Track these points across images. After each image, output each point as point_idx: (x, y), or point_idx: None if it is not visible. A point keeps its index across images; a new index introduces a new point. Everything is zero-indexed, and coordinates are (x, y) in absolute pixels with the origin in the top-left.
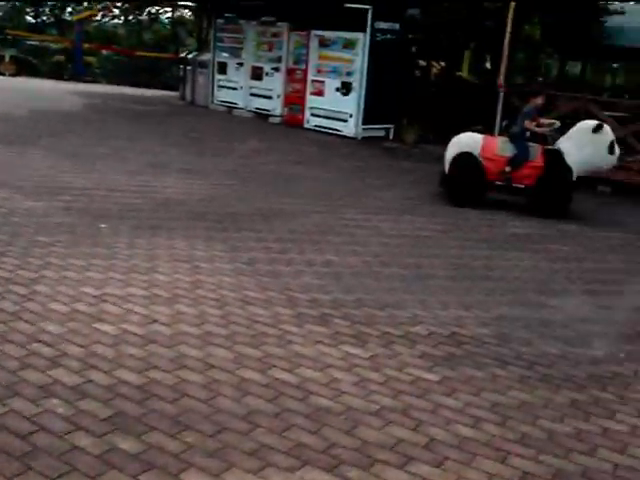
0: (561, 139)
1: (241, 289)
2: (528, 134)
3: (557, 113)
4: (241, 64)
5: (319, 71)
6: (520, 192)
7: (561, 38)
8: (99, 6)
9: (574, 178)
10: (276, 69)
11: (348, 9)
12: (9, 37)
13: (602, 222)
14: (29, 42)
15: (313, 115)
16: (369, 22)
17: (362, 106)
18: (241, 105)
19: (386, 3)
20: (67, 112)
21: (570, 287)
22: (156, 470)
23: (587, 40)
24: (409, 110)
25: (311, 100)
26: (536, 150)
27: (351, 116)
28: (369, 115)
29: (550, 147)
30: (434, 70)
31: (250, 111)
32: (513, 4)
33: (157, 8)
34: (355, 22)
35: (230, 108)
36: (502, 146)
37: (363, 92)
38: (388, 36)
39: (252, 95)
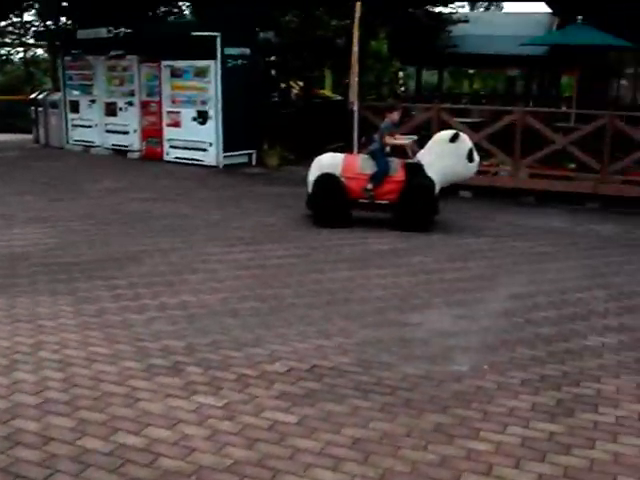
0: (421, 151)
1: (86, 345)
2: (388, 149)
3: (412, 125)
4: (93, 101)
5: (173, 102)
6: (385, 208)
7: (407, 50)
8: None
9: (437, 189)
10: (130, 103)
11: (197, 37)
12: None
13: (464, 228)
14: None
15: (172, 147)
16: (219, 49)
17: (221, 134)
18: (98, 143)
19: (235, 29)
20: None
21: (432, 300)
22: None
23: (432, 49)
24: (270, 134)
25: (168, 132)
26: (397, 165)
27: (211, 145)
28: (229, 142)
29: (410, 160)
30: (295, 91)
31: (108, 148)
32: (357, 22)
33: (8, 49)
34: (205, 50)
35: (87, 147)
36: (363, 164)
37: (220, 119)
38: (240, 61)
39: (108, 132)
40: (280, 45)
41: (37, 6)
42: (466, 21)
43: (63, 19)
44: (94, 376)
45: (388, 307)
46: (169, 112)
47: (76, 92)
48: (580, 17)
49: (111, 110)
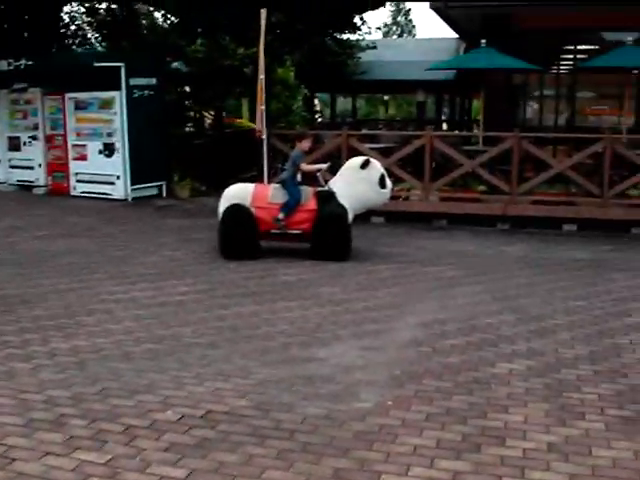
0: (333, 179)
1: None
2: (299, 178)
3: (322, 152)
4: None
5: (78, 135)
6: (298, 238)
7: (316, 77)
8: None
9: (350, 217)
10: (34, 137)
11: (101, 68)
12: None
13: (375, 255)
14: None
15: (79, 181)
16: (123, 79)
17: (128, 166)
18: (2, 179)
19: (140, 59)
20: None
21: (339, 333)
22: None
23: (341, 76)
24: (181, 164)
25: (75, 166)
26: (308, 193)
27: (118, 178)
28: (138, 174)
29: (322, 189)
30: (209, 121)
31: (12, 184)
32: (262, 51)
33: None
34: (109, 81)
35: None
36: (273, 193)
37: (127, 151)
38: (146, 92)
39: (12, 167)
40: (190, 75)
41: None
42: (374, 47)
43: None
44: None
45: (293, 342)
46: (74, 145)
47: None
48: (484, 41)
49: (14, 145)
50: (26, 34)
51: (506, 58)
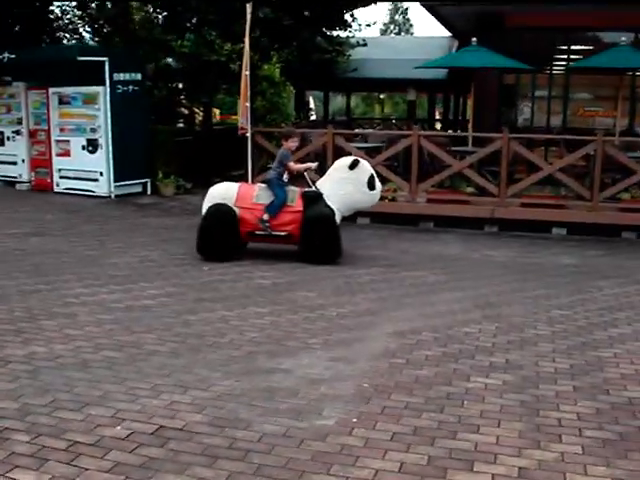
0: (321, 180)
1: None
2: (286, 178)
3: (307, 151)
4: None
5: (62, 130)
6: (283, 240)
7: (303, 75)
8: None
9: (338, 219)
10: (17, 132)
11: (85, 63)
12: None
13: (356, 258)
14: None
15: (62, 177)
16: (107, 74)
17: (112, 163)
18: None
19: (125, 54)
20: None
21: (309, 341)
22: None
23: (330, 74)
24: (167, 161)
25: (58, 162)
26: (294, 194)
27: (102, 174)
28: (121, 171)
29: (309, 189)
30: (199, 117)
31: None
32: (248, 46)
33: None
34: (93, 75)
35: None
36: (259, 193)
37: (111, 148)
38: (130, 87)
39: None
40: (180, 70)
41: None
42: (364, 45)
43: None
44: None
45: (259, 352)
46: (58, 141)
47: None
48: (474, 39)
49: None
50: (16, 28)
51: (497, 57)
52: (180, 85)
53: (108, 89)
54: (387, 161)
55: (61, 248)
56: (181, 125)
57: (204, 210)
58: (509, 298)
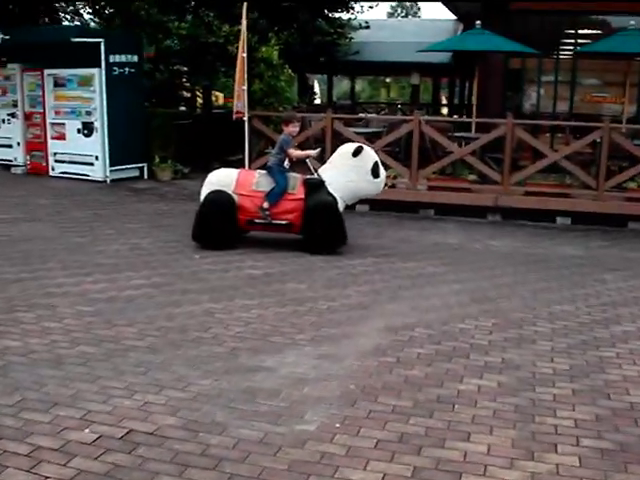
0: (323, 167)
1: None
2: (287, 165)
3: (306, 136)
4: None
5: (57, 113)
6: (284, 228)
7: (303, 57)
8: None
9: (341, 207)
10: (13, 115)
11: (81, 44)
12: None
13: (352, 247)
14: None
15: (57, 161)
16: (103, 56)
17: (107, 146)
18: None
19: (121, 35)
20: None
21: (296, 337)
22: None
23: (331, 57)
24: (164, 145)
25: (53, 145)
26: (296, 181)
27: (97, 158)
28: (117, 155)
29: (311, 177)
30: (201, 101)
31: None
32: (245, 28)
33: None
34: (89, 57)
35: None
36: (259, 180)
37: (106, 131)
38: (127, 69)
39: None
40: (179, 52)
41: None
42: (367, 27)
43: None
44: None
45: (242, 348)
46: (53, 124)
47: None
48: (478, 22)
49: None
50: (10, 6)
51: (501, 40)
52: (183, 68)
53: (104, 71)
54: (388, 147)
55: (50, 234)
56: (183, 108)
57: (202, 197)
58: (509, 291)
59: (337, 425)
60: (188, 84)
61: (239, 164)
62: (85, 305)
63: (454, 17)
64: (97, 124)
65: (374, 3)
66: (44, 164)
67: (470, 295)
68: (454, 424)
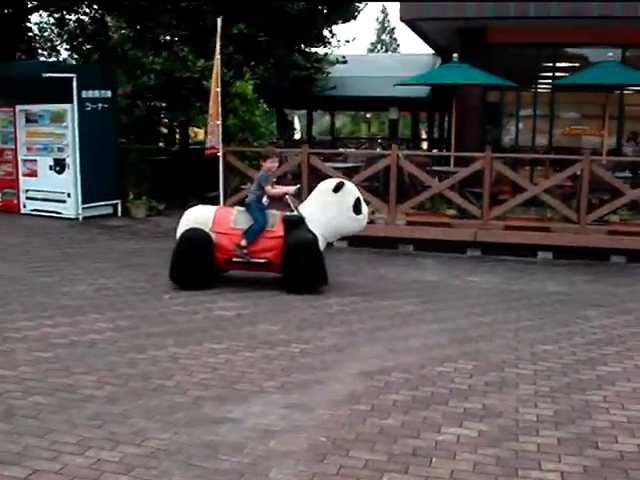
0: (303, 203)
1: None
2: (266, 201)
3: (282, 171)
4: None
5: (29, 149)
6: (263, 267)
7: (279, 93)
8: None
9: (322, 245)
10: None
11: (53, 79)
12: None
13: (329, 286)
14: None
15: (29, 198)
16: (75, 91)
17: (79, 183)
18: None
19: (94, 70)
20: None
21: (264, 384)
22: None
23: (307, 92)
24: (139, 181)
25: (25, 182)
26: (275, 218)
27: (69, 195)
28: (90, 192)
29: (291, 214)
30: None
31: None
32: (218, 62)
33: None
34: (61, 93)
35: None
36: (237, 217)
37: (78, 168)
38: (100, 105)
39: None
40: (155, 88)
41: None
42: (344, 62)
43: None
44: None
45: (207, 397)
46: (25, 160)
47: None
48: (455, 55)
49: None
50: None
51: (479, 73)
52: (161, 104)
53: (76, 107)
54: (367, 182)
55: (15, 274)
56: (162, 144)
57: (178, 235)
58: (489, 331)
59: None
60: (166, 120)
61: (216, 201)
62: (43, 351)
63: (432, 51)
64: (69, 160)
65: (351, 37)
66: (15, 201)
67: (449, 335)
68: (432, 478)
